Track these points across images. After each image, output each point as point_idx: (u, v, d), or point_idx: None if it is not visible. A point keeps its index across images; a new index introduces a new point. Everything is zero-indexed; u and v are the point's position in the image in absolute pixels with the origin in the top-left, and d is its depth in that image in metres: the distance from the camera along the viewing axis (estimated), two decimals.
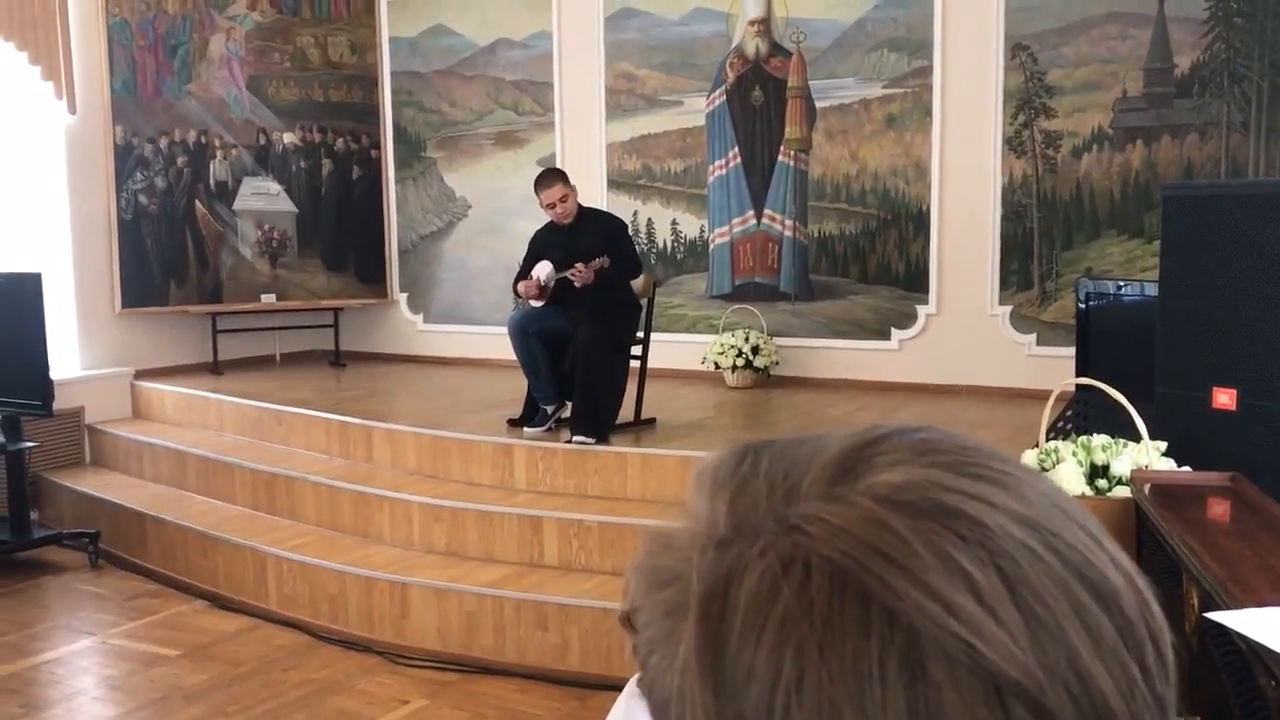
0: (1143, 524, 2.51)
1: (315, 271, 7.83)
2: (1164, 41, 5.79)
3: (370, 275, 8.01)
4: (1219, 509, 2.40)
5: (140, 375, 7.10)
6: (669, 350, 6.61)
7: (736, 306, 6.91)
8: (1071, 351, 4.73)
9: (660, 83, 7.12)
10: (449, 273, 7.96)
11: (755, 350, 6.57)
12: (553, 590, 4.43)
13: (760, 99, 6.82)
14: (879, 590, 0.39)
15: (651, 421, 5.51)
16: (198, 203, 7.46)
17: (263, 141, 7.65)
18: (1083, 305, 4.54)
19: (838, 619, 0.39)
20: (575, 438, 5.09)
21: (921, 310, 6.47)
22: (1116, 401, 2.88)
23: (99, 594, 5.38)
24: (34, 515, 6.04)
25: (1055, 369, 5.11)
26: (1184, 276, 3.20)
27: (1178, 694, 0.45)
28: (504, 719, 4.00)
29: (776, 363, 6.63)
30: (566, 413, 5.30)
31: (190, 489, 6.00)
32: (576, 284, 5.17)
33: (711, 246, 7.04)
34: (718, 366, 6.64)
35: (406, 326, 8.12)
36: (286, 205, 7.73)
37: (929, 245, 6.41)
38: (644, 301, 5.52)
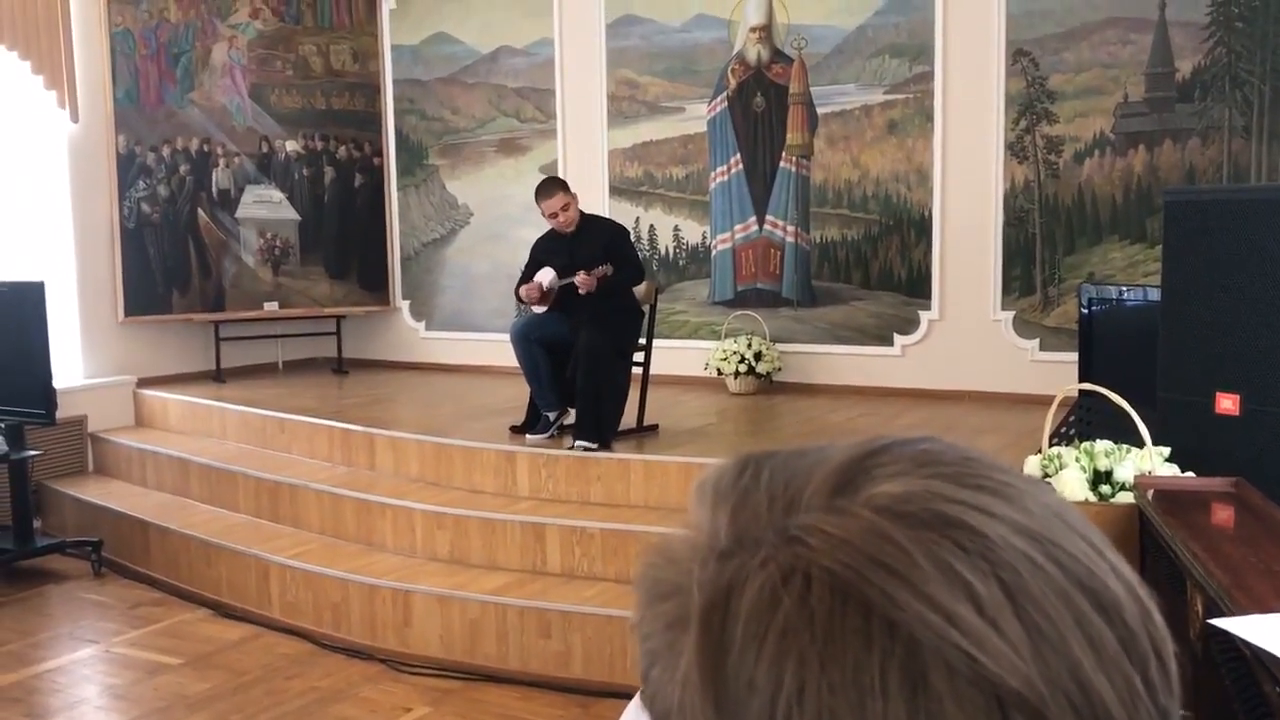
0: (1146, 530, 2.50)
1: (318, 279, 7.83)
2: (1165, 46, 5.79)
3: (373, 282, 8.01)
4: (1223, 515, 2.40)
5: (143, 383, 7.11)
6: (671, 356, 6.61)
7: (739, 312, 6.91)
8: (1074, 357, 4.73)
9: (662, 89, 7.13)
10: (451, 280, 7.96)
11: (758, 356, 6.57)
12: (556, 597, 4.43)
13: (762, 105, 6.82)
14: (880, 601, 0.39)
15: (654, 428, 5.51)
16: (200, 211, 7.47)
17: (265, 149, 7.67)
18: (1085, 310, 4.54)
19: (838, 630, 0.39)
20: (578, 444, 5.08)
21: (924, 316, 6.46)
22: (1119, 407, 2.88)
23: (102, 602, 5.38)
24: (37, 524, 6.05)
25: (1058, 374, 5.11)
26: (1186, 281, 3.20)
27: (1182, 702, 0.45)
28: None
29: (779, 369, 6.63)
30: (569, 419, 5.30)
31: (193, 497, 6.00)
32: (581, 291, 5.17)
33: (713, 253, 7.04)
34: (720, 373, 6.63)
35: (409, 334, 8.12)
36: (289, 213, 7.74)
37: (931, 251, 6.41)
38: (646, 308, 5.52)
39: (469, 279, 7.86)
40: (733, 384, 6.62)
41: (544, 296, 5.35)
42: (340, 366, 7.88)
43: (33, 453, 5.84)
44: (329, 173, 7.86)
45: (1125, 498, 2.79)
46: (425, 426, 5.75)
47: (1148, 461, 2.85)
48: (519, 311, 5.60)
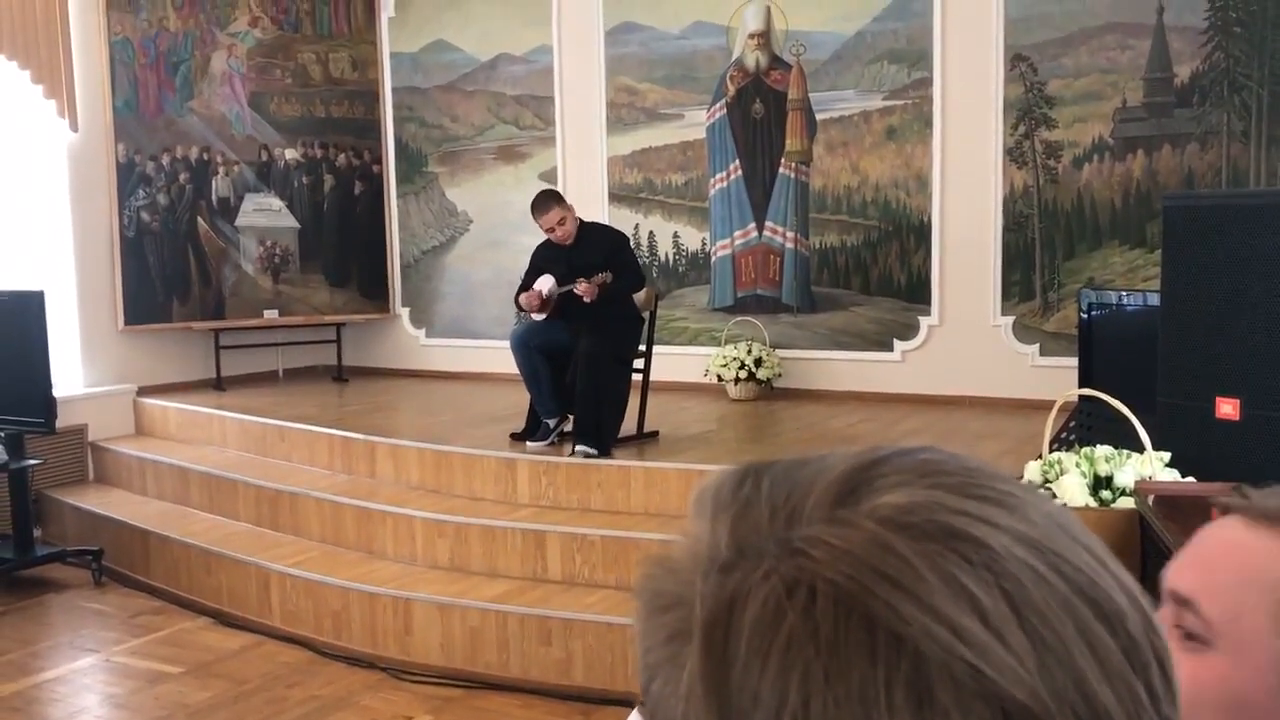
0: (1147, 535, 2.50)
1: (317, 287, 7.84)
2: (1163, 51, 5.80)
3: (372, 290, 8.02)
4: None
5: (143, 392, 7.11)
6: (671, 363, 6.61)
7: (739, 319, 6.91)
8: (1074, 362, 4.73)
9: (661, 96, 7.14)
10: (451, 287, 7.96)
11: (758, 362, 6.57)
12: (557, 605, 4.42)
13: (761, 111, 6.83)
14: (885, 615, 0.39)
15: (654, 435, 5.51)
16: (200, 219, 7.47)
17: (264, 158, 7.67)
18: (1085, 315, 4.55)
19: (843, 644, 0.39)
20: (578, 451, 5.08)
21: (924, 321, 6.46)
22: (1120, 412, 2.87)
23: (102, 611, 5.37)
24: (37, 533, 6.04)
25: (1058, 379, 5.10)
26: (1186, 286, 3.20)
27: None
28: None
29: (779, 375, 6.63)
30: (569, 426, 5.30)
31: (193, 506, 6.00)
32: (582, 298, 5.17)
33: (713, 259, 7.05)
34: (720, 379, 6.63)
35: (409, 341, 8.12)
36: (288, 221, 7.75)
37: (930, 256, 6.41)
38: (646, 314, 5.52)
39: (469, 286, 7.86)
40: (733, 390, 6.62)
41: (544, 304, 5.35)
42: (340, 374, 7.88)
43: (33, 462, 5.84)
44: (328, 180, 7.87)
45: (1126, 503, 2.79)
46: (425, 434, 5.75)
47: (1148, 466, 2.85)
48: (519, 318, 5.60)
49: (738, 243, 6.96)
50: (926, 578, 0.40)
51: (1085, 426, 3.95)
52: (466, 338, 7.86)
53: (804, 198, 6.75)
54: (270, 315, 7.65)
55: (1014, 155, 6.16)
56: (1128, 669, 0.41)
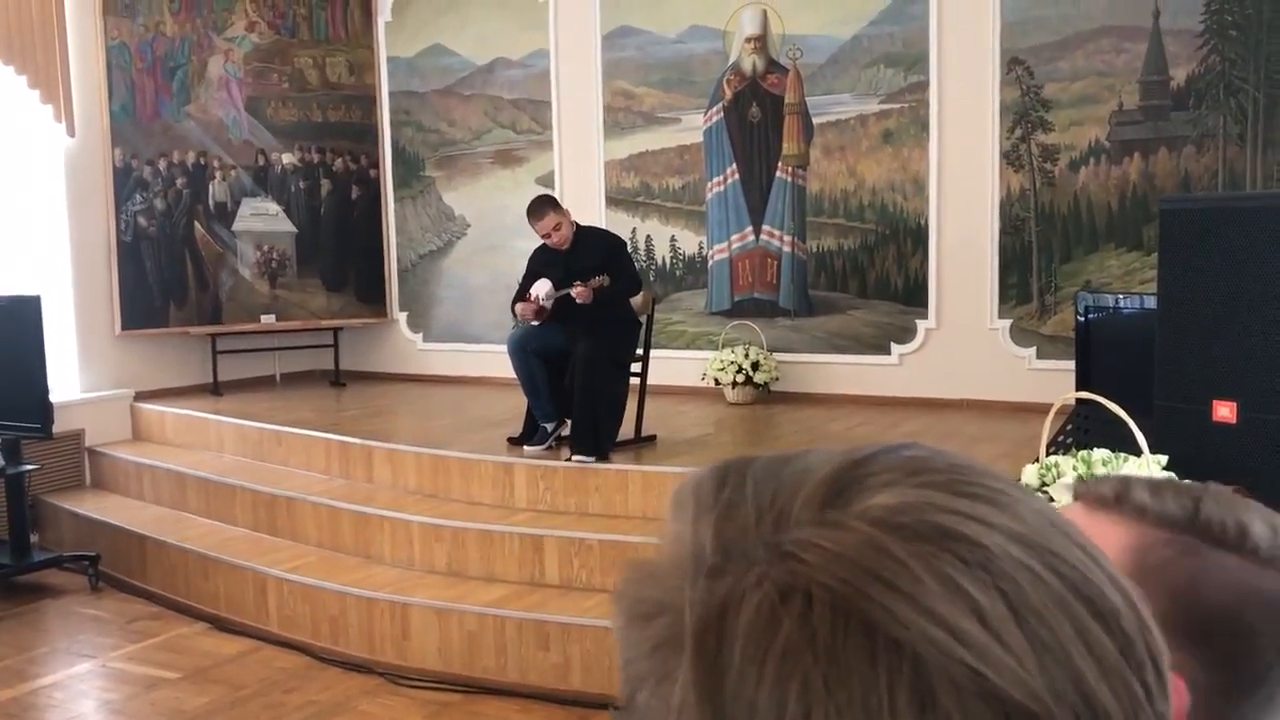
0: None
1: (315, 291, 7.83)
2: (1159, 54, 5.80)
3: (370, 295, 8.01)
4: None
5: (140, 397, 7.10)
6: (669, 367, 6.60)
7: (736, 322, 6.91)
8: (1071, 365, 4.73)
9: (658, 100, 7.14)
10: (448, 291, 7.96)
11: (755, 366, 6.57)
12: (554, 609, 4.42)
13: (757, 115, 6.84)
14: (883, 619, 0.38)
15: (652, 439, 5.50)
16: (197, 224, 7.47)
17: (261, 162, 7.67)
18: (1082, 318, 4.55)
19: (843, 651, 0.38)
20: (575, 456, 5.08)
21: (921, 324, 6.47)
22: (1117, 415, 2.87)
23: (99, 617, 5.36)
24: (34, 538, 6.03)
25: (1055, 382, 5.11)
26: (1182, 289, 3.20)
27: None
28: None
29: (777, 378, 6.63)
30: (566, 430, 5.30)
31: (190, 511, 5.99)
32: (579, 301, 5.17)
33: (710, 263, 7.05)
34: (718, 383, 6.63)
35: (406, 345, 8.12)
36: (286, 225, 7.74)
37: (928, 259, 6.41)
38: (643, 318, 5.52)
39: (466, 290, 7.86)
40: (730, 394, 6.62)
41: (540, 313, 5.34)
42: (338, 379, 7.87)
43: (29, 467, 5.83)
44: (325, 185, 7.87)
45: None
46: (423, 438, 5.75)
47: (1145, 470, 2.85)
48: (516, 323, 5.60)
49: (735, 246, 6.96)
50: (923, 580, 0.39)
51: (1082, 430, 3.95)
52: (464, 342, 7.86)
53: (801, 201, 6.75)
54: (267, 320, 7.64)
55: (1010, 158, 6.16)
56: (1124, 667, 0.41)
